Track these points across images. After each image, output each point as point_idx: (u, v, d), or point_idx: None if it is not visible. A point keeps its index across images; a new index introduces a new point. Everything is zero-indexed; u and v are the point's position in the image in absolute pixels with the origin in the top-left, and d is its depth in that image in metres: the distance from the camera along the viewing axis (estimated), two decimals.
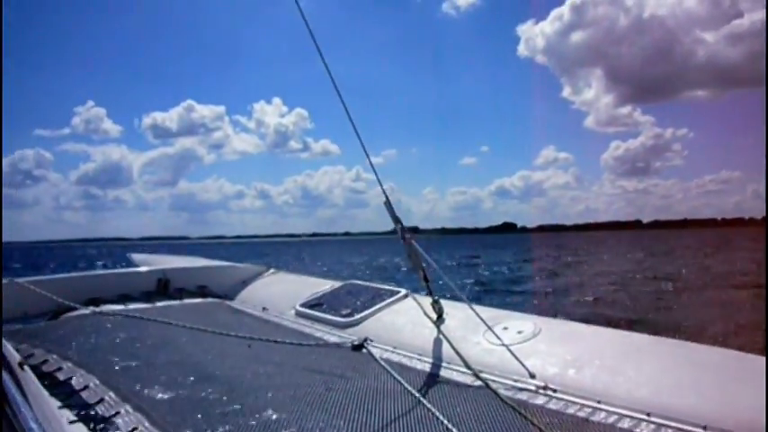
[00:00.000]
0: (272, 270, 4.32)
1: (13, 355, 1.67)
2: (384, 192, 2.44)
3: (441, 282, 2.66)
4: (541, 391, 1.91)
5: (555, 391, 1.89)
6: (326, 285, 3.53)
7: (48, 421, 1.49)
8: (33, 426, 1.09)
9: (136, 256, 5.54)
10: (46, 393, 1.66)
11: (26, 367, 1.64)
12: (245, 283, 4.09)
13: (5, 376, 1.25)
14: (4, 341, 1.47)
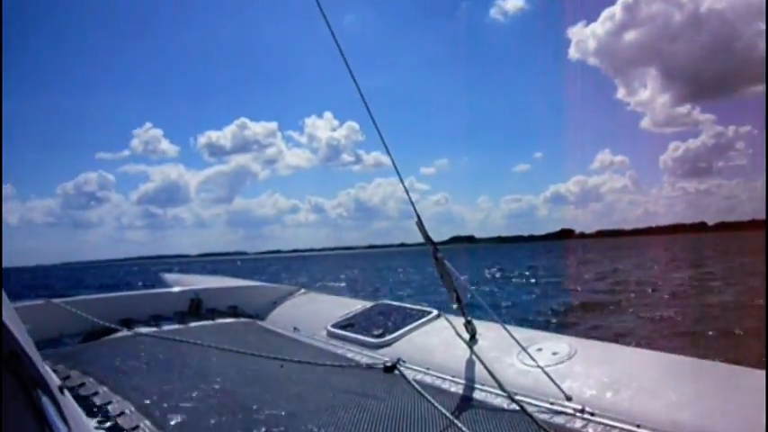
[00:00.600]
0: (302, 290, 4.35)
1: (53, 379, 1.61)
2: (416, 210, 2.40)
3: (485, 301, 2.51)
4: (579, 414, 1.86)
5: (593, 414, 1.84)
6: (358, 306, 3.51)
7: None
8: None
9: (168, 276, 5.61)
10: (86, 420, 1.68)
11: (66, 391, 1.61)
12: (275, 303, 4.10)
13: (45, 400, 1.18)
14: (43, 364, 1.36)
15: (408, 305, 3.33)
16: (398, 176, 2.51)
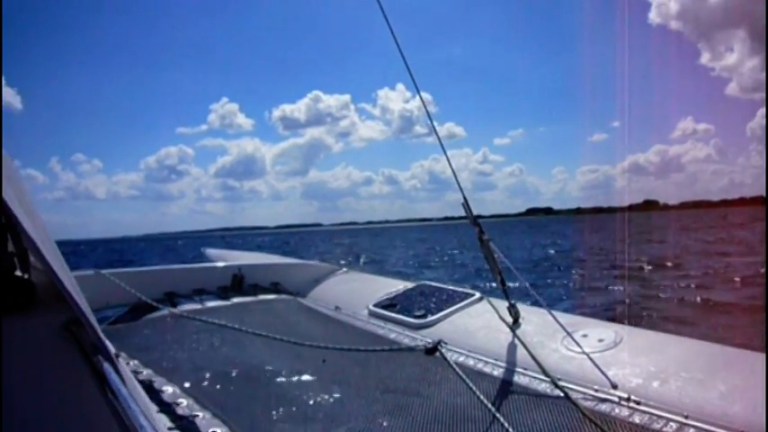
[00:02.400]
0: (344, 269, 4.32)
1: (110, 346, 1.59)
2: (462, 191, 2.39)
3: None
4: (624, 402, 1.84)
5: (638, 403, 1.82)
6: (399, 286, 3.49)
7: (146, 407, 1.63)
8: (135, 408, 1.15)
9: (210, 251, 5.61)
10: (139, 386, 1.77)
11: (120, 359, 1.68)
12: (317, 281, 4.09)
13: (106, 366, 1.24)
14: (100, 331, 1.38)
15: (450, 287, 3.26)
16: (441, 146, 2.56)
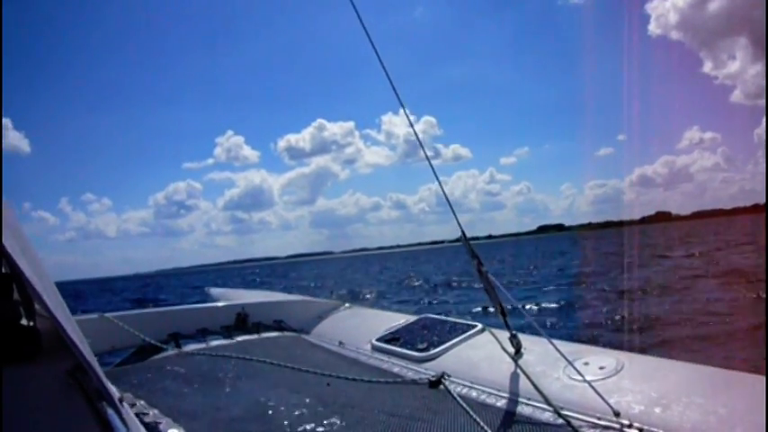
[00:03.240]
0: (347, 304, 4.36)
1: (114, 391, 1.60)
2: (460, 225, 2.44)
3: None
4: (627, 429, 1.86)
5: (641, 430, 1.84)
6: (402, 319, 3.51)
7: None
8: None
9: (213, 291, 5.83)
10: (142, 428, 1.73)
11: (125, 403, 1.68)
12: (320, 317, 4.12)
13: (110, 411, 1.28)
14: (104, 376, 1.39)
15: (452, 318, 3.28)
16: (431, 169, 2.59)
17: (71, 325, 1.29)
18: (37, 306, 1.77)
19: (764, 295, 12.44)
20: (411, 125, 2.62)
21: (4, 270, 1.71)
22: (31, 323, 1.75)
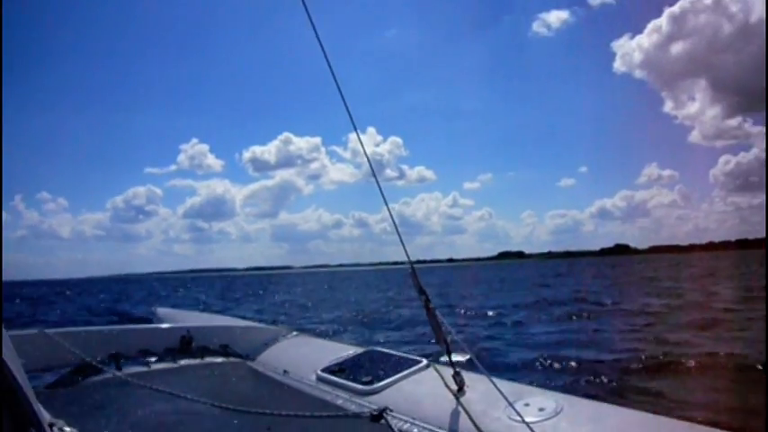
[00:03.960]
0: (294, 332, 4.25)
1: (45, 416, 1.53)
2: (411, 263, 2.52)
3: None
4: None
5: None
6: (349, 350, 3.46)
7: None
8: None
9: (160, 311, 5.51)
10: None
11: (56, 428, 1.62)
12: (267, 344, 4.00)
13: None
14: (36, 400, 1.32)
15: (398, 353, 3.24)
16: (381, 195, 2.58)
17: (6, 347, 1.21)
18: None
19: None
20: (363, 148, 2.62)
21: None
22: None
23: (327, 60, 2.43)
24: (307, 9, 2.38)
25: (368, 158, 2.62)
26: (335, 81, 2.49)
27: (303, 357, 3.59)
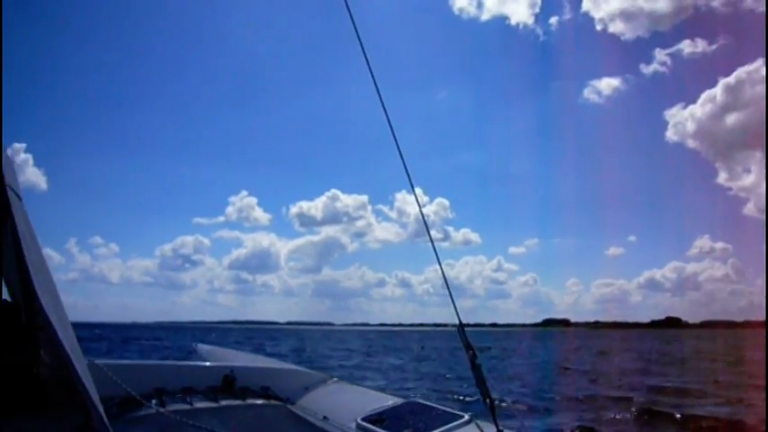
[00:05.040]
0: (335, 378, 4.39)
1: None
2: (458, 314, 2.48)
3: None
4: None
5: None
6: (389, 400, 3.53)
7: None
8: None
9: (202, 347, 5.68)
10: None
11: None
12: (307, 388, 4.13)
13: None
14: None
15: (440, 406, 3.26)
16: (434, 252, 2.71)
17: (87, 378, 1.21)
18: (42, 352, 1.67)
19: None
20: (419, 206, 2.69)
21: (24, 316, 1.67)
22: (35, 370, 1.69)
23: (387, 116, 2.44)
24: (369, 65, 2.40)
25: (423, 217, 2.67)
26: (393, 136, 2.51)
27: (343, 404, 3.58)
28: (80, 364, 1.24)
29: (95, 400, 1.20)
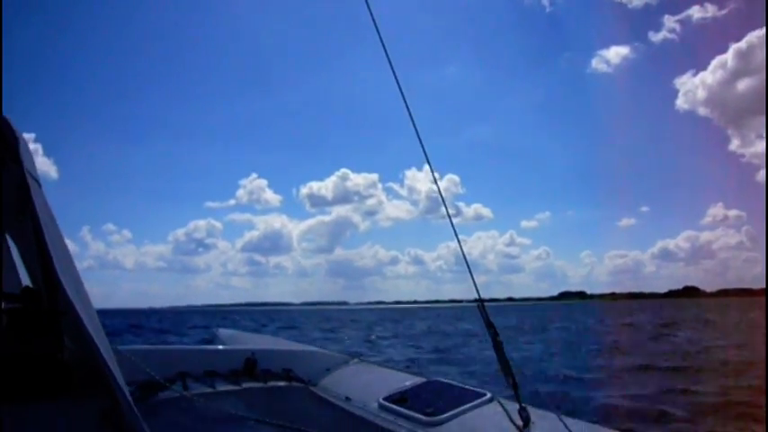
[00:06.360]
0: (356, 359, 4.37)
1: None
2: (478, 291, 2.54)
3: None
4: None
5: None
6: (410, 380, 3.53)
7: None
8: None
9: (222, 332, 5.82)
10: None
11: None
12: (329, 370, 4.10)
13: None
14: (142, 423, 1.37)
15: (462, 384, 3.27)
16: (453, 230, 2.69)
17: (113, 361, 1.24)
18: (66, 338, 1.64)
19: None
20: (435, 181, 2.73)
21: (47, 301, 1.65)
22: (59, 355, 1.65)
23: (402, 94, 2.49)
24: (383, 42, 2.45)
25: (441, 194, 2.68)
26: (409, 113, 2.54)
27: (365, 385, 3.59)
28: (105, 347, 1.27)
29: (121, 383, 1.22)
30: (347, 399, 3.42)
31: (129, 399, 1.25)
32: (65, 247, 1.50)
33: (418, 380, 3.51)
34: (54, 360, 1.81)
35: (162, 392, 3.34)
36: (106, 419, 1.35)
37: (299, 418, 2.94)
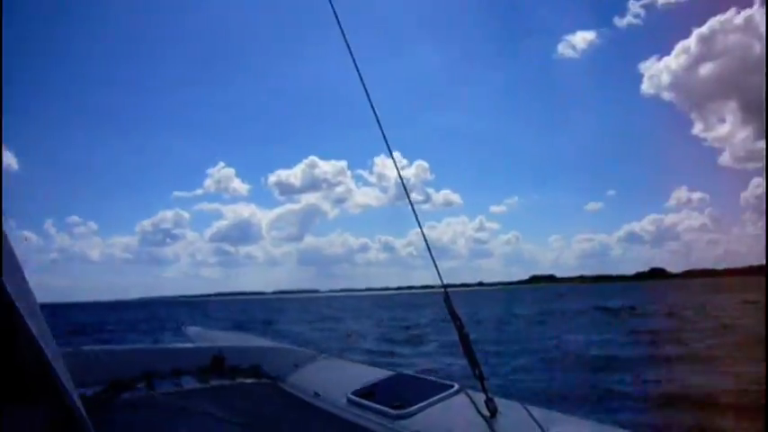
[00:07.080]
0: (324, 355, 4.31)
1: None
2: (444, 287, 2.59)
3: None
4: None
5: None
6: (378, 374, 3.51)
7: None
8: None
9: (190, 330, 5.65)
10: None
11: None
12: (297, 366, 4.01)
13: None
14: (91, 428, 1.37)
15: (429, 377, 3.33)
16: (414, 215, 2.75)
17: (60, 366, 1.23)
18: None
19: None
20: (398, 171, 2.78)
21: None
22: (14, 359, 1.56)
23: (363, 82, 2.49)
24: (343, 31, 2.46)
25: (403, 182, 2.75)
26: (370, 102, 2.54)
27: (333, 380, 3.60)
28: (50, 349, 1.24)
29: (70, 388, 1.21)
30: (316, 394, 3.42)
31: (77, 401, 1.23)
32: (6, 240, 1.45)
33: (386, 373, 3.52)
34: (2, 365, 1.56)
35: (127, 392, 3.29)
36: (57, 424, 1.32)
37: (268, 414, 2.95)
